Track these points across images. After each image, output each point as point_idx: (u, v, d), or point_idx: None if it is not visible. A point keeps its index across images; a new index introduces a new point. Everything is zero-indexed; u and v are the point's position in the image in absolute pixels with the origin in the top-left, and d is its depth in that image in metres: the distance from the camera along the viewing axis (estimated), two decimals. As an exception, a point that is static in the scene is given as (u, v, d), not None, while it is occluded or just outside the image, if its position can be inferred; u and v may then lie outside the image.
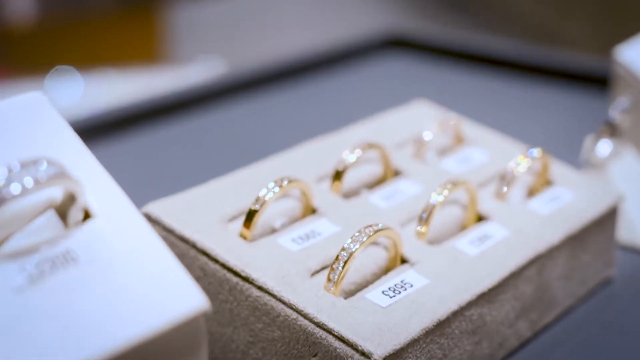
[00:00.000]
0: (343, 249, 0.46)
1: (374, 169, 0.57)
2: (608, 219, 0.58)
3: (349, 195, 0.56)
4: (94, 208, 0.39)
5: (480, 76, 1.02)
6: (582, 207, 0.56)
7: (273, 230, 0.51)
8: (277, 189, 0.50)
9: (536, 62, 0.99)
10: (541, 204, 0.56)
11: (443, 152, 0.61)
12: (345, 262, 0.46)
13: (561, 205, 0.56)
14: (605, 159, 0.66)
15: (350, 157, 0.54)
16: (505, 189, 0.56)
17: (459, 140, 0.62)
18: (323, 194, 0.54)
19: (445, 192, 0.51)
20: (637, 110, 0.73)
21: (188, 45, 2.00)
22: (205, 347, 0.37)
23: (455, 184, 0.52)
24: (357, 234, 0.47)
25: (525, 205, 0.56)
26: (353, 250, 0.46)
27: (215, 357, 0.49)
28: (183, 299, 0.37)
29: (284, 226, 0.51)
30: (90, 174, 0.40)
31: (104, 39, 1.83)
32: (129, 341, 0.34)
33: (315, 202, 0.53)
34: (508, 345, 0.51)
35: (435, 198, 0.51)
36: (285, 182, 0.50)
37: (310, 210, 0.53)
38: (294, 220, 0.52)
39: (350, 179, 0.56)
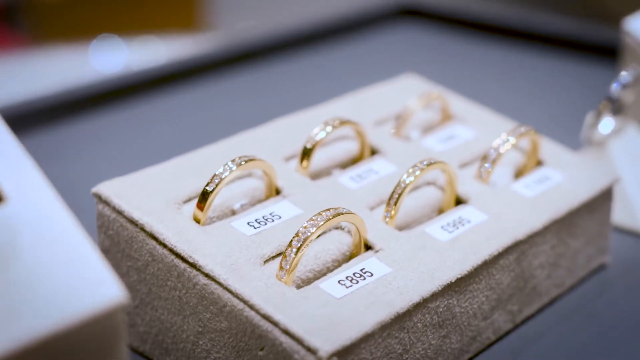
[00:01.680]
0: (297, 235, 0.43)
1: (350, 147, 0.54)
2: (601, 202, 0.54)
3: (319, 175, 0.52)
4: (7, 192, 0.36)
5: (494, 47, 0.97)
6: (571, 189, 0.52)
7: (233, 213, 0.48)
8: (234, 168, 0.47)
9: (552, 32, 0.95)
10: (527, 185, 0.52)
11: (428, 129, 0.58)
12: (299, 249, 0.43)
13: (549, 187, 0.52)
14: (606, 136, 0.62)
15: (319, 134, 0.51)
16: (487, 169, 0.52)
17: (445, 116, 0.58)
18: (289, 174, 0.50)
19: (418, 172, 0.48)
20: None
21: (223, 11, 1.97)
22: (123, 345, 0.34)
23: (429, 163, 0.48)
24: (314, 217, 0.44)
25: (509, 187, 0.52)
26: (308, 235, 0.43)
27: (167, 347, 0.46)
28: (97, 290, 0.34)
29: (245, 208, 0.48)
30: (6, 157, 0.37)
31: (143, 6, 1.80)
32: (32, 336, 0.32)
33: (280, 183, 0.50)
34: (483, 339, 0.48)
35: (406, 179, 0.48)
36: (244, 161, 0.47)
37: (275, 192, 0.49)
38: (256, 202, 0.49)
39: (320, 158, 0.52)
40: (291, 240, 0.43)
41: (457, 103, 0.60)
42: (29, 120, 0.78)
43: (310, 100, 0.69)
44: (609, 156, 0.61)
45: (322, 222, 0.43)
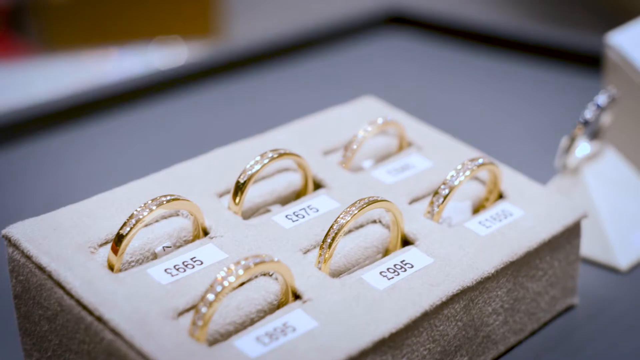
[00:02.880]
0: (211, 286, 0.39)
1: (293, 180, 0.50)
2: (566, 240, 0.49)
3: (256, 212, 0.48)
4: None
5: (481, 55, 0.93)
6: (532, 227, 0.48)
7: (155, 257, 0.44)
8: (154, 208, 0.43)
9: (541, 41, 0.90)
10: (482, 222, 0.48)
11: (383, 157, 0.54)
12: (212, 303, 0.39)
13: (507, 225, 0.48)
14: (582, 162, 0.57)
15: (254, 168, 0.47)
16: (438, 206, 0.47)
17: (402, 144, 0.54)
18: (219, 213, 0.46)
19: (355, 211, 0.44)
20: (625, 104, 0.64)
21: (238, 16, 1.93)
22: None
23: (369, 202, 0.44)
24: (231, 267, 0.40)
25: (462, 225, 0.47)
26: (224, 287, 0.39)
27: (79, 404, 0.43)
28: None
29: (168, 251, 0.44)
30: None
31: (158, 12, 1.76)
32: None
33: (209, 223, 0.46)
34: (427, 395, 0.44)
35: (342, 220, 0.43)
36: (166, 200, 0.43)
37: (202, 233, 0.46)
38: (183, 244, 0.45)
39: (258, 193, 0.48)
40: (205, 293, 0.39)
41: (417, 129, 0.55)
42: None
43: (295, 110, 0.66)
44: (584, 183, 0.57)
45: (241, 272, 0.39)
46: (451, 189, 0.47)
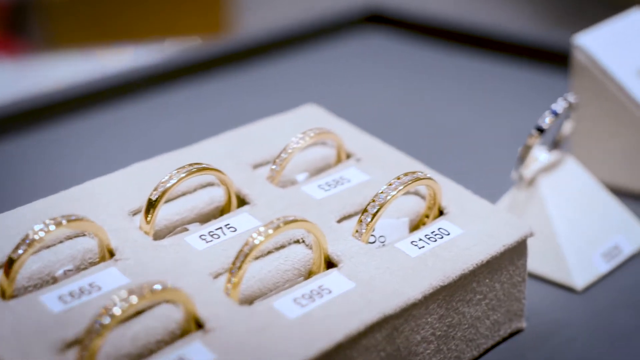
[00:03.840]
0: (99, 316, 0.36)
1: (216, 196, 0.47)
2: (508, 261, 0.46)
3: (171, 232, 0.45)
4: None
5: (462, 55, 0.89)
6: (469, 247, 0.44)
7: (55, 281, 0.41)
8: (52, 228, 0.40)
9: (519, 41, 0.86)
10: (415, 243, 0.44)
11: (319, 171, 0.50)
12: (94, 339, 0.36)
13: (442, 245, 0.44)
14: (538, 172, 0.54)
15: (168, 184, 0.44)
16: (366, 224, 0.44)
17: (340, 156, 0.51)
18: (129, 232, 0.43)
19: (270, 232, 0.40)
20: (592, 107, 0.60)
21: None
22: None
23: (287, 222, 0.41)
24: (124, 297, 0.36)
25: (393, 246, 0.44)
26: (110, 320, 0.36)
27: None
28: None
29: (69, 275, 0.41)
30: None
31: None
32: None
33: (115, 243, 0.43)
34: None
35: (255, 241, 0.40)
36: (66, 220, 0.40)
37: (108, 254, 0.43)
38: (88, 266, 0.42)
39: (176, 211, 0.45)
40: (91, 325, 0.36)
41: (358, 140, 0.52)
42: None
43: (260, 114, 0.62)
44: (539, 196, 0.53)
45: (135, 301, 0.36)
46: (381, 206, 0.44)
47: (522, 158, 0.52)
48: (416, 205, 0.47)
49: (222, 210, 0.47)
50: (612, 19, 0.65)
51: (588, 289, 0.51)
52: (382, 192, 0.44)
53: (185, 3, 1.72)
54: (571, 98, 0.53)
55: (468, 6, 1.25)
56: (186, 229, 0.45)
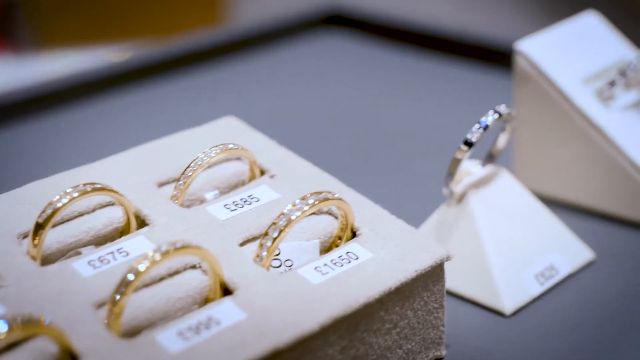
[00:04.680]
0: (-45, 356, 0.34)
1: (116, 217, 0.44)
2: (422, 287, 0.43)
3: (64, 255, 0.43)
4: None
5: (421, 56, 0.87)
6: (378, 272, 0.42)
7: None
8: None
9: (482, 43, 0.83)
10: (319, 268, 0.41)
11: (232, 188, 0.48)
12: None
13: (347, 271, 0.42)
14: (468, 189, 0.51)
15: (56, 205, 0.41)
16: (267, 248, 0.41)
17: (253, 173, 0.48)
18: (14, 258, 0.41)
19: (158, 257, 0.38)
20: (535, 116, 0.57)
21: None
22: None
23: (175, 248, 0.38)
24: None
25: (295, 272, 0.41)
26: (-32, 357, 0.33)
27: None
28: None
29: (-56, 305, 0.39)
30: None
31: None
32: None
33: (3, 269, 0.40)
34: None
35: (138, 267, 0.37)
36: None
37: (-10, 281, 0.40)
38: (-33, 294, 0.40)
39: (71, 233, 0.43)
40: (-54, 363, 0.33)
41: (275, 155, 0.49)
42: None
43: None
44: (469, 213, 0.50)
45: (4, 336, 0.34)
46: (282, 229, 0.41)
47: (450, 173, 0.50)
48: (329, 226, 0.45)
49: (122, 232, 0.44)
50: (560, 22, 0.62)
51: (518, 312, 0.49)
52: (284, 214, 0.41)
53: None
54: (503, 110, 0.50)
55: (434, 8, 1.21)
56: (79, 253, 0.43)
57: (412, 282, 0.42)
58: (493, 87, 0.79)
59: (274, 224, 0.41)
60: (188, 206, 0.46)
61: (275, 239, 0.41)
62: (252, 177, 0.48)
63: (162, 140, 0.50)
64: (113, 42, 1.46)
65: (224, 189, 0.47)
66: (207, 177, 0.47)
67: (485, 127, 0.49)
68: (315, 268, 0.42)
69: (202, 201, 0.46)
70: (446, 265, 0.49)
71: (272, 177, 0.48)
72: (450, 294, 0.50)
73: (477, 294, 0.49)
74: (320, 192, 0.43)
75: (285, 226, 0.41)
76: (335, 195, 0.43)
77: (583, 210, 0.58)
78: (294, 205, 0.42)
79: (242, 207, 0.45)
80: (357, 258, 0.42)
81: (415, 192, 0.61)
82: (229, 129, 0.51)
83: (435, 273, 0.43)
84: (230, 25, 0.91)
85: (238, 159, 0.48)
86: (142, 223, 0.44)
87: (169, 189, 0.46)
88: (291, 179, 0.47)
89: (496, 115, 0.50)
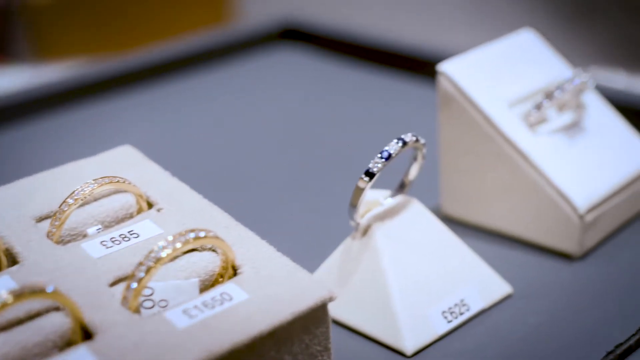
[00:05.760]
0: None
1: (-14, 254, 0.42)
2: (301, 330, 0.40)
3: None
4: None
5: (375, 72, 0.84)
6: (249, 316, 0.39)
7: None
8: None
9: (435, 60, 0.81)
10: (187, 311, 0.39)
11: (119, 221, 0.45)
12: None
13: (218, 313, 0.39)
14: (373, 220, 0.48)
15: None
16: (133, 290, 0.39)
17: (140, 207, 0.46)
18: None
19: (10, 301, 0.35)
20: (457, 139, 0.55)
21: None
22: None
23: (22, 293, 0.36)
24: None
25: (161, 315, 0.39)
26: None
27: None
28: None
29: None
30: None
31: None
32: None
33: None
34: None
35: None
36: None
37: None
38: None
39: None
40: None
41: (167, 186, 0.47)
42: None
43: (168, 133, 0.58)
44: (373, 247, 0.48)
45: None
46: (149, 270, 0.39)
47: (353, 204, 0.47)
48: (211, 264, 0.43)
49: (-7, 271, 0.42)
50: (494, 40, 0.59)
51: (420, 352, 0.46)
52: (153, 253, 0.39)
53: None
54: (408, 138, 0.47)
55: (391, 23, 1.19)
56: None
57: (288, 325, 0.40)
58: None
59: (140, 263, 0.39)
60: (67, 242, 0.44)
61: (141, 279, 0.39)
62: (140, 211, 0.46)
63: (51, 171, 0.48)
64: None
65: (110, 223, 0.45)
66: (93, 210, 0.45)
67: (388, 157, 0.47)
68: (184, 311, 0.39)
69: (85, 236, 0.44)
70: (349, 302, 0.47)
71: (159, 210, 0.46)
72: (353, 331, 0.48)
73: (379, 332, 0.47)
74: (194, 230, 0.40)
75: (152, 267, 0.39)
76: (211, 233, 0.40)
77: (510, 239, 0.56)
78: (164, 243, 0.40)
79: (120, 243, 0.43)
80: (230, 299, 0.40)
81: (332, 222, 0.58)
82: (123, 159, 0.49)
83: (317, 315, 0.41)
84: (184, 40, 0.89)
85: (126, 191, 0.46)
86: (13, 261, 0.42)
87: (47, 225, 0.44)
88: (178, 213, 0.45)
89: (400, 144, 0.47)
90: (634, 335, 0.46)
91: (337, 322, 0.48)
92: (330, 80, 0.85)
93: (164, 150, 0.72)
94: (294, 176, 0.67)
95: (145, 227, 0.44)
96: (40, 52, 1.61)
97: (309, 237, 0.57)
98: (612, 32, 1.24)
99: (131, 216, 0.46)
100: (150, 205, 0.46)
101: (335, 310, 0.49)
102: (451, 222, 0.58)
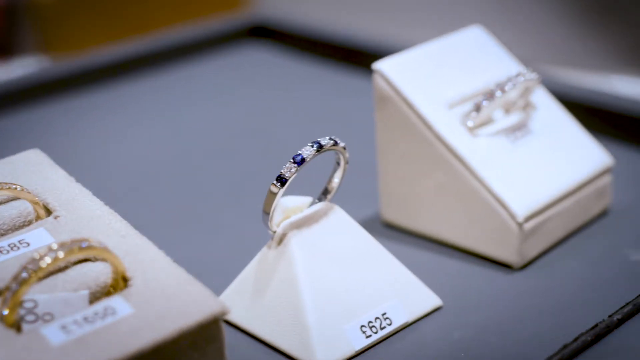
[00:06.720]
0: None
1: None
2: (188, 347, 0.38)
3: None
4: None
5: (346, 71, 0.82)
6: (132, 331, 0.37)
7: None
8: None
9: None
10: (66, 326, 0.37)
11: (15, 229, 0.43)
12: None
13: (99, 329, 0.37)
14: (289, 228, 0.46)
15: None
16: (8, 304, 0.37)
17: (38, 215, 0.44)
18: None
19: None
20: (393, 140, 0.52)
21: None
22: None
23: None
24: None
25: (37, 331, 0.37)
26: None
27: None
28: None
29: None
30: None
31: None
32: None
33: None
34: None
35: None
36: None
37: None
38: None
39: None
40: None
41: (69, 194, 0.45)
42: None
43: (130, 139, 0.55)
44: (289, 256, 0.45)
45: None
46: (23, 283, 0.37)
47: (265, 210, 0.45)
48: (102, 275, 0.40)
49: None
50: (439, 37, 0.56)
51: (334, 369, 0.43)
52: (30, 264, 0.37)
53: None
54: (324, 142, 0.45)
55: (362, 20, 1.15)
56: None
57: (173, 342, 0.37)
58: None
59: (14, 278, 0.37)
60: (-44, 252, 0.42)
61: (16, 292, 0.37)
62: (38, 218, 0.44)
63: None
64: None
65: (6, 231, 0.43)
66: (-9, 217, 0.43)
67: (301, 161, 0.44)
68: (62, 326, 0.37)
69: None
70: (263, 315, 0.45)
71: (56, 218, 0.43)
72: (268, 346, 0.45)
73: (291, 347, 0.44)
74: (78, 240, 0.38)
75: (27, 279, 0.37)
76: (95, 243, 0.38)
77: (450, 248, 0.53)
78: (41, 255, 0.37)
79: (8, 253, 0.41)
80: (114, 314, 0.38)
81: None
82: (27, 164, 0.47)
83: (209, 331, 0.38)
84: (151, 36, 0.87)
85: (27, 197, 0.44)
86: None
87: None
88: (75, 221, 0.43)
89: (314, 148, 0.44)
90: (555, 354, 0.42)
91: (252, 336, 0.46)
92: (298, 78, 0.82)
93: (119, 150, 0.71)
94: (249, 176, 0.65)
95: (38, 236, 0.42)
96: (47, 48, 1.60)
97: (246, 243, 0.54)
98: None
99: (29, 224, 0.44)
100: (49, 213, 0.44)
101: (249, 324, 0.46)
102: (391, 229, 0.55)
